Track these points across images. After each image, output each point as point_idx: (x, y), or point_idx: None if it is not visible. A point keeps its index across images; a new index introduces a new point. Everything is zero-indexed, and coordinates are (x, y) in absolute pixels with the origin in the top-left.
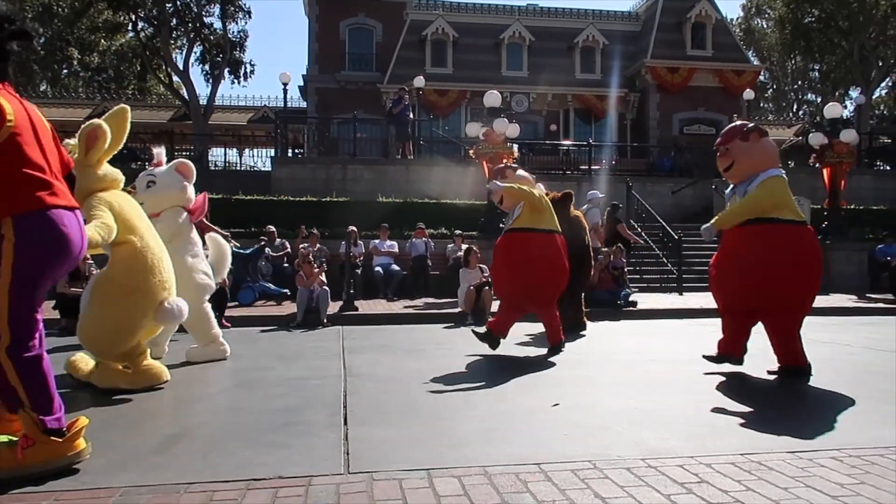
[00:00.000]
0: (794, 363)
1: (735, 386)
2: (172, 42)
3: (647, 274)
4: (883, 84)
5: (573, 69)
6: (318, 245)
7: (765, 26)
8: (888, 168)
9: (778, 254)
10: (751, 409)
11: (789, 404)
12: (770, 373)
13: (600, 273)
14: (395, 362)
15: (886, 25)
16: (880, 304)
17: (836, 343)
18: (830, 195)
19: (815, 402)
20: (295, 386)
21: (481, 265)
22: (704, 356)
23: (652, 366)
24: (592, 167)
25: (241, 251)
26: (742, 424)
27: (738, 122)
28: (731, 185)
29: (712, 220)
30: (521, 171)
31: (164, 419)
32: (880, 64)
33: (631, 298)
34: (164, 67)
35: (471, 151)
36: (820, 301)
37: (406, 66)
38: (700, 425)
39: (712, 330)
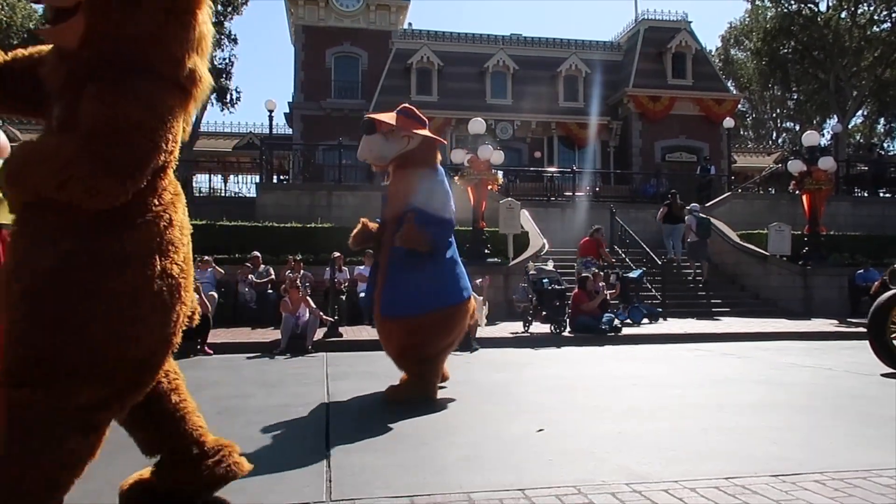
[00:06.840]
0: None
1: (717, 410)
2: None
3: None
4: (858, 113)
5: (557, 97)
6: (301, 271)
7: (743, 57)
8: (865, 195)
9: None
10: (733, 433)
11: (772, 427)
12: None
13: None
14: (380, 389)
15: (860, 57)
16: (861, 329)
17: (818, 367)
18: (810, 221)
19: (798, 426)
20: (277, 413)
21: None
22: None
23: (635, 390)
24: (576, 193)
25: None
26: (725, 448)
27: None
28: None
29: None
30: None
31: None
32: (855, 94)
33: (615, 323)
34: None
35: (456, 178)
36: (802, 325)
37: (391, 93)
38: (684, 449)
39: (696, 354)
